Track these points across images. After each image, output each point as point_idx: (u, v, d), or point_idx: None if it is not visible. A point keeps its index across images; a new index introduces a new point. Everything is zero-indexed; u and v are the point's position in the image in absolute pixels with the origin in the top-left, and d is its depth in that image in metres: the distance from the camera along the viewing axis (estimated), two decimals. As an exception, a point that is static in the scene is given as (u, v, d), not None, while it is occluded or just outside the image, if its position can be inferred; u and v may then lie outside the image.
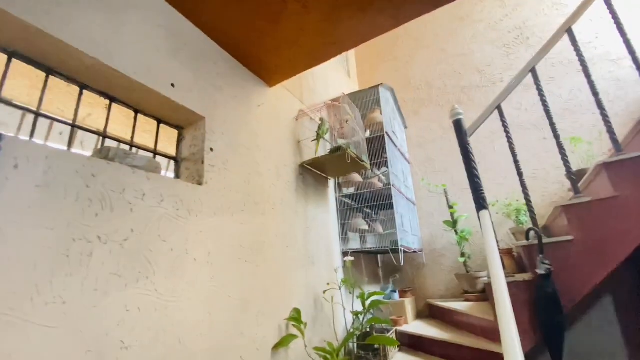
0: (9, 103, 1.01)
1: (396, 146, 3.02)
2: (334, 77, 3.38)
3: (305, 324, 1.75)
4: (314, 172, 2.44)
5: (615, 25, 1.83)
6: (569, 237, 1.67)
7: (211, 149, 1.46)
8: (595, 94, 1.78)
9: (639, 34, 2.72)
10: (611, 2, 1.86)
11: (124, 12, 1.24)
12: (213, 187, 1.42)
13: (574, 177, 1.79)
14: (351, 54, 4.35)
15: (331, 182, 2.75)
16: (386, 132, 2.76)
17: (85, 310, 0.89)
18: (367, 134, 2.87)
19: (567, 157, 1.78)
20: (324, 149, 2.46)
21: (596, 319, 2.41)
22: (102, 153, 1.08)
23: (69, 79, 1.15)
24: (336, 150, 2.16)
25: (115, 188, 1.03)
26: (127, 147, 1.29)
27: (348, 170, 2.50)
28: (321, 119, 2.34)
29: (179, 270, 1.18)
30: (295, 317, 1.70)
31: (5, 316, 0.75)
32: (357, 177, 2.80)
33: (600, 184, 1.77)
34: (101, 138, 1.24)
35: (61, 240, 0.88)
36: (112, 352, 0.93)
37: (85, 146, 2.15)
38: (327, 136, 2.40)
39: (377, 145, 2.80)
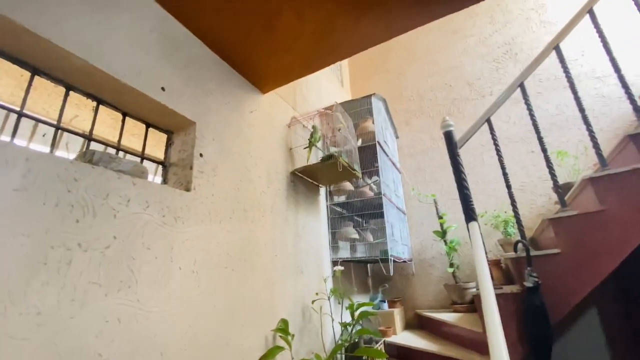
0: (-11, 103, 0.97)
1: (387, 155, 3.04)
2: (327, 86, 3.40)
3: (293, 335, 1.71)
4: (306, 180, 2.42)
5: (601, 44, 1.89)
6: (556, 250, 1.69)
7: (201, 155, 1.43)
8: (581, 109, 1.83)
9: (623, 52, 2.83)
10: (598, 22, 1.93)
11: (116, 14, 1.22)
12: (201, 193, 1.39)
13: (561, 190, 1.82)
14: (344, 63, 4.39)
15: (322, 190, 2.74)
16: (378, 142, 2.78)
17: (61, 322, 0.85)
18: (359, 142, 2.88)
19: (554, 170, 1.81)
20: (315, 156, 2.46)
21: (582, 331, 2.44)
22: (86, 156, 1.04)
23: (56, 79, 1.12)
24: (328, 158, 2.16)
25: (98, 193, 1.00)
26: (113, 151, 1.25)
27: (339, 179, 2.50)
28: (314, 127, 2.34)
29: (162, 279, 1.14)
30: (283, 328, 1.67)
31: (-27, 328, 0.70)
32: (348, 185, 2.80)
33: (586, 197, 1.80)
34: (87, 141, 1.20)
35: (38, 248, 0.84)
36: (88, 366, 0.89)
37: (72, 149, 2.09)
38: (319, 144, 2.40)
39: (368, 154, 2.81)
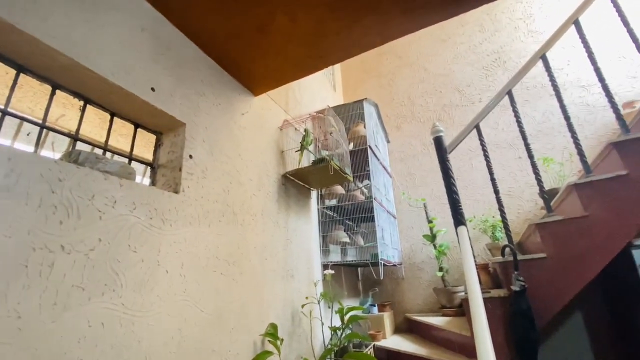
0: (-29, 100, 0.94)
1: (379, 160, 3.06)
2: (320, 90, 3.41)
3: (282, 339, 1.70)
4: (297, 183, 2.42)
5: (586, 54, 1.95)
6: (542, 255, 1.72)
7: (190, 156, 1.42)
8: (566, 117, 1.87)
9: (607, 62, 2.92)
10: (583, 32, 1.98)
11: (106, 13, 1.20)
12: (190, 195, 1.37)
13: (547, 196, 1.86)
14: (337, 68, 4.42)
15: (314, 193, 2.74)
16: (369, 146, 2.79)
17: (42, 326, 0.83)
18: (351, 146, 2.89)
19: (540, 176, 1.85)
20: (307, 160, 2.46)
21: (567, 334, 2.48)
22: (72, 156, 1.02)
23: (42, 77, 1.10)
24: (320, 161, 2.16)
25: (83, 194, 0.98)
26: (100, 151, 1.23)
27: (331, 182, 2.50)
28: (305, 130, 2.34)
29: (149, 282, 1.12)
30: (272, 332, 1.65)
31: (-53, 333, 0.68)
32: (339, 188, 2.80)
33: (571, 203, 1.84)
34: (73, 141, 1.18)
35: (20, 249, 0.82)
36: (69, 372, 0.86)
37: (58, 149, 2.04)
38: (311, 147, 2.40)
39: (360, 158, 2.82)
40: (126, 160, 1.31)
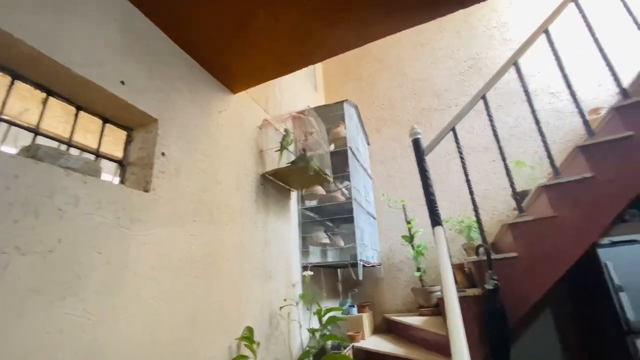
0: None
1: (359, 161, 3.07)
2: (301, 90, 3.40)
3: (259, 343, 1.66)
4: (277, 183, 2.38)
5: (555, 62, 2.03)
6: (514, 254, 1.78)
7: (163, 154, 1.36)
8: (537, 122, 1.95)
9: (575, 70, 3.07)
10: (552, 41, 2.07)
11: (74, 3, 1.13)
12: (162, 194, 1.32)
13: (519, 197, 1.92)
14: (319, 68, 4.42)
15: (294, 194, 2.71)
16: (349, 147, 2.80)
17: (-9, 334, 0.76)
18: (331, 147, 2.89)
19: (512, 178, 1.91)
20: (287, 160, 2.43)
21: (538, 331, 2.57)
22: (30, 151, 0.95)
23: (1, 68, 1.02)
24: (299, 160, 2.14)
25: (42, 192, 0.91)
26: (65, 147, 1.16)
27: (311, 183, 2.49)
28: (286, 130, 2.31)
29: (115, 285, 1.06)
30: (247, 336, 1.61)
31: None
32: (320, 189, 2.79)
33: (541, 204, 1.91)
34: (35, 136, 1.10)
35: (-34, 251, 0.75)
36: (22, 383, 0.80)
37: (20, 145, 1.91)
38: (291, 147, 2.38)
39: (340, 159, 2.82)
40: (93, 157, 1.24)
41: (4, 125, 1.05)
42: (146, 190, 1.27)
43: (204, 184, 1.59)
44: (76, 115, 1.22)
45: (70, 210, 0.97)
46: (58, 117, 1.57)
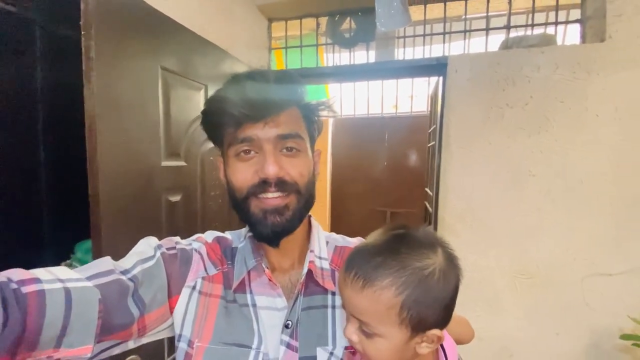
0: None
1: None
2: None
3: None
4: None
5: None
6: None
7: (616, -3, 1.32)
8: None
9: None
10: None
11: None
12: (619, 39, 1.33)
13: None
14: None
15: None
16: None
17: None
18: None
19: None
20: None
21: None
22: (502, 45, 1.49)
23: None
24: None
25: (515, 68, 1.42)
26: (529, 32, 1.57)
27: None
28: None
29: (576, 126, 1.38)
30: None
31: None
32: None
33: None
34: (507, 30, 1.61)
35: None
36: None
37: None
38: None
39: None
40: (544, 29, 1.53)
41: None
42: (602, 41, 1.36)
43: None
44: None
45: (534, 75, 1.41)
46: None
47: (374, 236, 0.46)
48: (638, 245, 1.35)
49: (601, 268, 1.39)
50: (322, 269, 0.51)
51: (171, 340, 0.48)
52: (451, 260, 0.44)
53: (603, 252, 1.38)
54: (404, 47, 1.92)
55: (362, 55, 1.96)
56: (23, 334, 0.30)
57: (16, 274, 0.33)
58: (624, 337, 1.27)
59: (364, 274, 0.41)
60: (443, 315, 0.43)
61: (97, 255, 0.83)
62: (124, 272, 0.42)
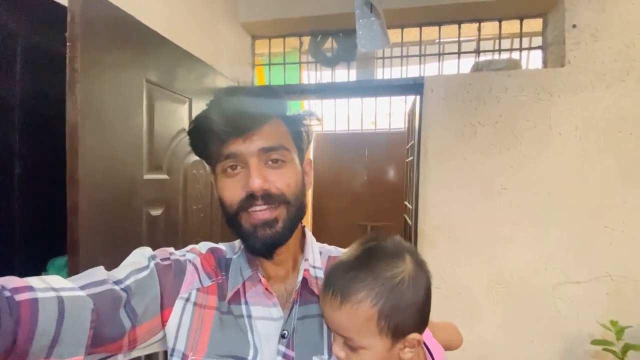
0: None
1: None
2: None
3: None
4: None
5: None
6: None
7: (574, 26, 1.47)
8: None
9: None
10: None
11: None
12: (577, 65, 1.46)
13: None
14: None
15: None
16: None
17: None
18: None
19: None
20: None
21: None
22: (473, 67, 1.60)
23: None
24: None
25: (484, 88, 1.53)
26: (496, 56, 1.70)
27: None
28: None
29: (542, 143, 1.49)
30: None
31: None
32: None
33: None
34: (477, 54, 1.74)
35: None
36: (496, 189, 1.54)
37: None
38: None
39: None
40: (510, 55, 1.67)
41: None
42: (562, 66, 1.50)
43: (631, 38, 1.43)
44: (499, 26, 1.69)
45: (503, 96, 1.52)
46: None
47: (348, 251, 0.47)
48: (602, 254, 1.45)
49: (570, 276, 1.47)
50: (316, 277, 0.51)
51: (165, 356, 0.47)
52: (420, 266, 0.45)
53: (571, 260, 1.47)
54: (383, 67, 2.01)
55: (343, 74, 2.04)
56: (15, 343, 0.30)
57: (10, 281, 0.33)
58: (595, 342, 1.34)
59: (340, 290, 0.42)
60: (419, 319, 0.44)
61: (72, 271, 0.80)
62: (117, 282, 0.42)
